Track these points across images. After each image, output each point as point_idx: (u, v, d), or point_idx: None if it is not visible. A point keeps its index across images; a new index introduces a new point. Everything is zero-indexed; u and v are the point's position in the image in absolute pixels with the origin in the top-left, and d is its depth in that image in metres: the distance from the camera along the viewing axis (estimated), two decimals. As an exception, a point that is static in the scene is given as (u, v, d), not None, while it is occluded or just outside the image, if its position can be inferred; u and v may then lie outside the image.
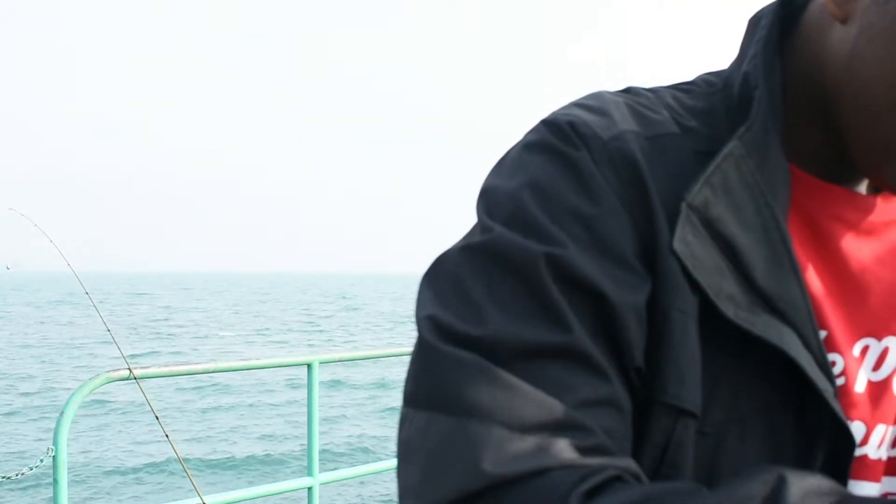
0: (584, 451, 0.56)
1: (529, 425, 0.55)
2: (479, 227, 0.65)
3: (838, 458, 0.65)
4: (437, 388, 0.58)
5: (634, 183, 0.64)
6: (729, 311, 0.62)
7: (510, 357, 0.58)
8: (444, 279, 0.63)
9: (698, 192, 0.64)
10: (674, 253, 0.62)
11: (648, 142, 0.66)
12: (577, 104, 0.69)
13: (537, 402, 0.56)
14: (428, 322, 0.61)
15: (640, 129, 0.67)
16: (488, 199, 0.66)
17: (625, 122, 0.67)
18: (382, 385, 20.13)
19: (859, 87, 0.65)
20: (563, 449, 0.55)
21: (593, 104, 0.68)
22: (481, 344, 0.58)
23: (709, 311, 0.63)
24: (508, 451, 0.54)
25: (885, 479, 0.71)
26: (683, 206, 0.63)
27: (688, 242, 0.63)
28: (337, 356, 4.66)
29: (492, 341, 0.58)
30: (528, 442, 0.55)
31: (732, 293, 0.63)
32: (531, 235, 0.61)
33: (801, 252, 0.69)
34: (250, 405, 18.00)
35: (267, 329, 39.54)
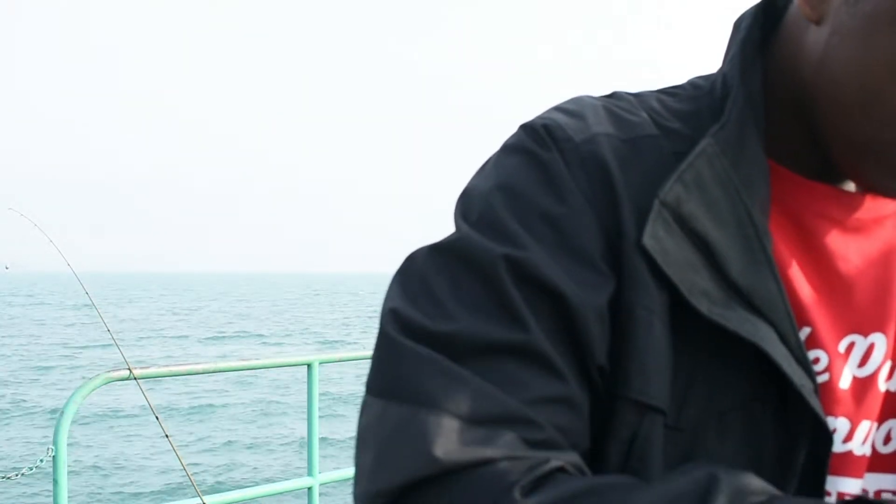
0: (531, 444, 0.57)
1: (480, 417, 0.57)
2: (455, 228, 0.67)
3: (818, 454, 0.65)
4: (393, 378, 0.60)
5: (604, 184, 0.65)
6: (702, 306, 0.63)
7: (467, 353, 0.60)
8: (411, 276, 0.65)
9: (670, 189, 0.65)
10: (643, 248, 0.63)
11: (624, 144, 0.68)
12: (557, 108, 0.71)
13: (489, 396, 0.58)
14: (391, 315, 0.63)
15: (617, 131, 0.69)
16: (464, 201, 0.68)
17: (599, 125, 0.68)
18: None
19: (833, 88, 0.66)
20: (511, 441, 0.57)
21: (571, 108, 0.71)
22: (440, 339, 0.60)
23: (681, 308, 0.64)
24: (459, 440, 0.56)
25: (868, 475, 0.71)
26: (655, 202, 0.64)
27: (658, 238, 0.63)
28: (337, 356, 4.67)
29: (451, 337, 0.60)
30: (477, 433, 0.57)
31: (706, 289, 0.64)
32: (495, 237, 0.63)
33: (785, 249, 0.70)
34: (250, 404, 18.00)
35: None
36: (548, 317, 0.61)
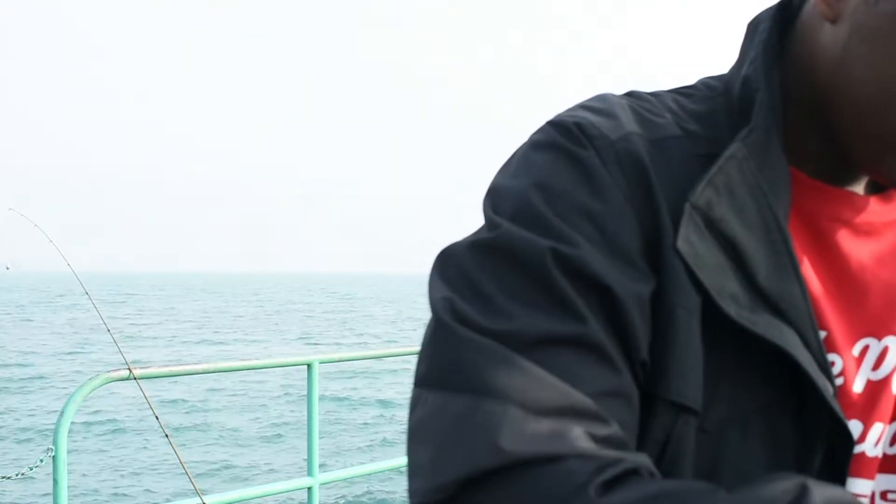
0: (599, 440, 0.56)
1: (546, 409, 0.56)
2: (487, 225, 0.65)
3: (837, 456, 0.65)
4: (453, 369, 0.58)
5: (641, 183, 0.65)
6: (731, 310, 0.63)
7: (525, 346, 0.58)
8: (454, 272, 0.63)
9: (701, 193, 0.65)
10: (677, 252, 0.63)
11: (652, 144, 0.67)
12: (583, 106, 0.70)
13: (554, 387, 0.56)
14: (444, 303, 0.61)
15: (644, 131, 0.68)
16: (495, 198, 0.66)
17: (630, 125, 0.68)
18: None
19: (852, 85, 0.66)
20: (579, 437, 0.55)
21: (599, 106, 0.69)
22: (496, 334, 0.58)
23: (710, 311, 0.63)
24: (525, 431, 0.54)
25: (879, 476, 0.72)
26: (687, 206, 0.64)
27: (691, 242, 0.63)
28: (337, 356, 4.67)
29: (507, 331, 0.58)
30: (544, 425, 0.55)
31: (734, 292, 0.64)
32: (537, 231, 0.62)
33: (801, 253, 0.70)
34: (250, 404, 17.99)
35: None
36: (598, 310, 0.60)
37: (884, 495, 0.72)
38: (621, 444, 0.57)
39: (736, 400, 0.64)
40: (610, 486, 0.53)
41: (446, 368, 0.59)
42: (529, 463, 0.54)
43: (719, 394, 0.64)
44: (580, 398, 0.57)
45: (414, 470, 0.58)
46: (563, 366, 0.58)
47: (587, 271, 0.60)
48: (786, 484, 0.53)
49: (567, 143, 0.66)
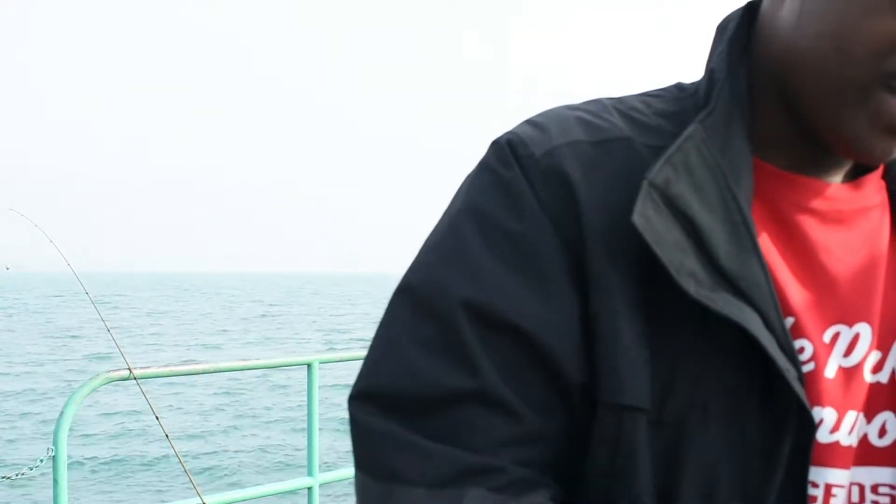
0: (497, 490, 0.62)
1: (445, 480, 0.62)
2: (420, 252, 0.71)
3: (802, 443, 0.65)
4: (364, 456, 0.67)
5: (566, 196, 0.67)
6: (690, 287, 0.63)
7: (430, 409, 0.65)
8: (384, 320, 0.70)
9: (659, 171, 0.66)
10: (634, 226, 0.63)
11: (594, 147, 0.69)
12: (527, 120, 0.73)
13: (448, 457, 0.62)
14: (354, 399, 0.69)
15: (585, 136, 0.70)
16: (439, 223, 0.71)
17: (562, 136, 0.70)
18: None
19: (809, 43, 0.67)
20: (476, 495, 0.61)
21: (538, 120, 0.72)
22: (400, 400, 0.65)
23: (660, 300, 0.65)
24: None
25: (864, 468, 0.71)
26: (644, 183, 0.65)
27: (648, 217, 0.64)
28: (337, 356, 4.66)
29: (413, 395, 0.65)
30: (445, 495, 0.61)
31: (693, 270, 0.64)
32: (457, 271, 0.67)
33: (768, 241, 0.70)
34: (250, 404, 17.99)
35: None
36: (506, 354, 0.65)
37: (874, 489, 0.71)
38: (525, 485, 0.63)
39: (696, 384, 0.65)
40: None
41: (360, 455, 0.67)
42: None
43: (678, 383, 0.65)
44: (475, 459, 0.62)
45: None
46: (462, 427, 0.64)
47: (497, 316, 0.65)
48: None
49: (496, 166, 0.69)
